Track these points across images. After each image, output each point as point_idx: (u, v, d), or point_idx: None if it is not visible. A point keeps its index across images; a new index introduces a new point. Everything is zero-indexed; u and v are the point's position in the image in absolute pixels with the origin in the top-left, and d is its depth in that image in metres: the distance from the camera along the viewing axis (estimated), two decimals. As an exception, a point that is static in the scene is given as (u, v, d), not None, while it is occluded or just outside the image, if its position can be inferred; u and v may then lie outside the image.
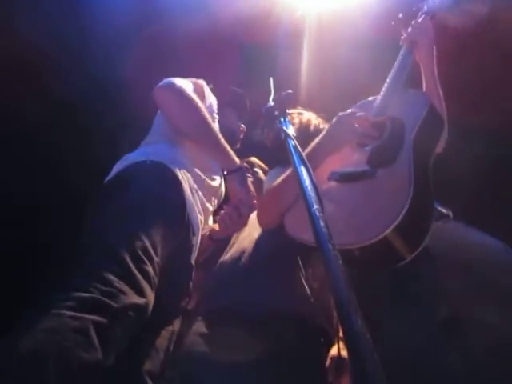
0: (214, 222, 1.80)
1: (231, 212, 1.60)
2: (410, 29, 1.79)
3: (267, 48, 3.04)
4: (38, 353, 0.85)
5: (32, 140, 2.85)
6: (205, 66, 2.69)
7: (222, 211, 1.67)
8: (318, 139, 1.52)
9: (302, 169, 0.93)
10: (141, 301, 1.05)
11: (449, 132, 1.72)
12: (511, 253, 1.23)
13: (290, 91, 1.27)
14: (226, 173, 1.63)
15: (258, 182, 2.04)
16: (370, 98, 1.71)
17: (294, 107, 1.84)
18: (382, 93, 1.63)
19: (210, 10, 2.77)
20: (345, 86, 2.92)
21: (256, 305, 1.44)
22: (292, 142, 1.02)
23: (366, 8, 2.76)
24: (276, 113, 1.21)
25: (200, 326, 1.46)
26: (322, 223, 0.75)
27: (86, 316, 0.92)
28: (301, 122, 1.76)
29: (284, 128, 1.10)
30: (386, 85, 1.65)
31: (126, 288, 1.02)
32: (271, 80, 1.34)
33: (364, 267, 1.16)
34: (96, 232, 1.18)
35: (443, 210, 1.50)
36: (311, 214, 0.78)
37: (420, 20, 1.81)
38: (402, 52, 1.75)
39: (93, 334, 0.91)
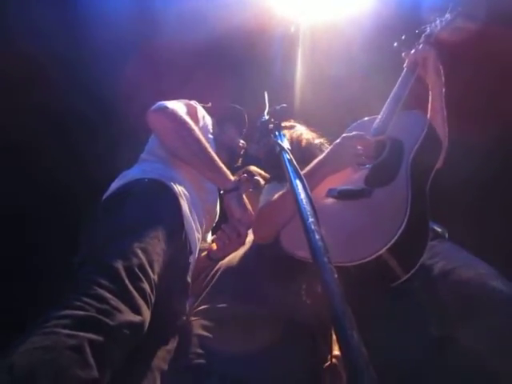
0: (213, 240, 1.80)
1: (229, 231, 1.60)
2: (413, 51, 1.81)
3: (262, 62, 3.07)
4: (32, 372, 0.84)
5: (23, 156, 2.86)
6: (202, 80, 2.71)
7: (220, 231, 1.67)
8: (320, 158, 1.53)
9: (297, 182, 0.93)
10: (137, 319, 1.03)
11: (447, 148, 1.74)
12: (503, 282, 1.23)
13: (284, 105, 1.28)
14: (222, 192, 1.62)
15: (259, 191, 2.04)
16: (366, 118, 1.74)
17: (287, 120, 1.85)
18: (382, 112, 1.65)
19: (207, 24, 2.80)
20: (339, 98, 2.95)
21: (254, 305, 1.46)
22: (287, 156, 1.02)
23: (359, 21, 2.80)
24: (271, 126, 1.21)
25: (193, 326, 1.46)
26: (317, 236, 0.75)
27: (82, 334, 0.91)
28: (292, 137, 1.77)
29: (279, 141, 1.11)
30: (386, 105, 1.67)
31: (121, 306, 1.01)
32: (265, 94, 1.35)
33: (359, 285, 1.16)
34: (92, 249, 1.17)
35: (439, 229, 1.50)
36: (306, 227, 0.78)
37: (423, 42, 1.84)
38: (403, 73, 1.78)
39: (88, 352, 0.90)
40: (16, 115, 2.72)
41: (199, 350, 1.36)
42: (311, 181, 1.36)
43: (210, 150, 1.60)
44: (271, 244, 1.50)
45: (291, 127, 1.86)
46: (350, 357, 0.55)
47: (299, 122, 1.93)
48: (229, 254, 1.76)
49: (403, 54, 1.86)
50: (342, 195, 1.41)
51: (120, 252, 1.12)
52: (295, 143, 1.75)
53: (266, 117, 1.27)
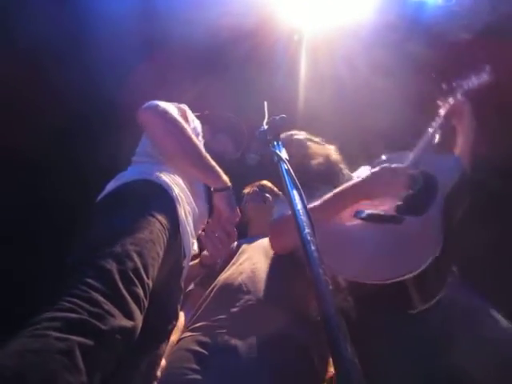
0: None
1: (219, 232, 1.59)
2: (451, 103, 1.90)
3: (265, 68, 3.08)
4: (21, 374, 0.83)
5: (20, 159, 2.85)
6: (203, 85, 2.71)
7: (207, 235, 1.64)
8: (355, 182, 1.56)
9: (294, 192, 0.93)
10: (129, 324, 1.02)
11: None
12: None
13: (283, 115, 1.28)
14: (213, 190, 1.61)
15: (267, 206, 2.11)
16: (395, 154, 1.79)
17: (288, 130, 1.87)
18: (415, 150, 1.72)
19: (210, 30, 2.81)
20: (342, 105, 2.97)
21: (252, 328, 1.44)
22: (285, 166, 1.03)
23: (361, 28, 2.82)
24: (269, 137, 1.22)
25: (189, 342, 1.44)
26: (313, 247, 0.75)
27: (73, 337, 0.90)
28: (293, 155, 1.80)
29: (277, 152, 1.11)
30: (419, 144, 1.75)
31: (114, 310, 1.00)
32: (265, 104, 1.35)
33: (375, 305, 1.18)
34: (86, 250, 1.16)
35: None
36: (302, 238, 0.78)
37: (460, 97, 1.91)
38: (438, 120, 1.86)
39: (78, 356, 0.89)
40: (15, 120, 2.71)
41: (195, 366, 1.35)
42: (343, 202, 1.46)
43: (202, 148, 1.60)
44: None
45: (293, 135, 1.88)
46: (342, 369, 0.55)
47: (300, 131, 1.94)
48: (220, 259, 1.76)
49: (439, 103, 1.93)
50: (371, 218, 1.43)
51: (114, 255, 1.11)
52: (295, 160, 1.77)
53: (265, 127, 1.27)
